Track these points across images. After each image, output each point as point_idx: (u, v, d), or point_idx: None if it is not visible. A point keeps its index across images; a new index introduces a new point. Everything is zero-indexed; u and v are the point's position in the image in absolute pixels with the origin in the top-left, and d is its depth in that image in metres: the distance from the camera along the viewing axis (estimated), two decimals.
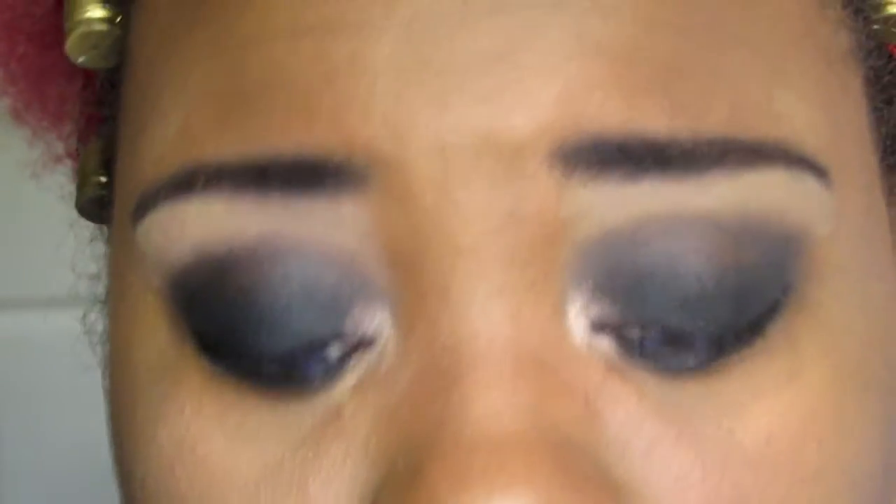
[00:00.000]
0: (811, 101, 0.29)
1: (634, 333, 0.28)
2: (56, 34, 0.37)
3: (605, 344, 0.28)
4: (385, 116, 0.27)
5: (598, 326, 0.28)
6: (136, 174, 0.30)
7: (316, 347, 0.28)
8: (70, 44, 0.33)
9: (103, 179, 0.35)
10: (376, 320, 0.28)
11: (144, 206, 0.29)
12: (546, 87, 0.27)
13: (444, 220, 0.27)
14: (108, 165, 0.35)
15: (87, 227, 0.43)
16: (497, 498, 0.25)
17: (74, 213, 0.43)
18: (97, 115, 0.36)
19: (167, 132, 0.29)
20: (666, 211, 0.27)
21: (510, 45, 0.27)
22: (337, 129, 0.27)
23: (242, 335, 0.28)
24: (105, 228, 0.38)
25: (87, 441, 1.05)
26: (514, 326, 0.27)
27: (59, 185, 0.43)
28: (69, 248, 0.45)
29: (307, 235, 0.28)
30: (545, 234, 0.27)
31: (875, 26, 0.32)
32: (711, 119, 0.28)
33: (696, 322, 0.28)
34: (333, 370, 0.28)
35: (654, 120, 0.27)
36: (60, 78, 0.39)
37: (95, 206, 0.36)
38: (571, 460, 0.26)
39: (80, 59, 0.33)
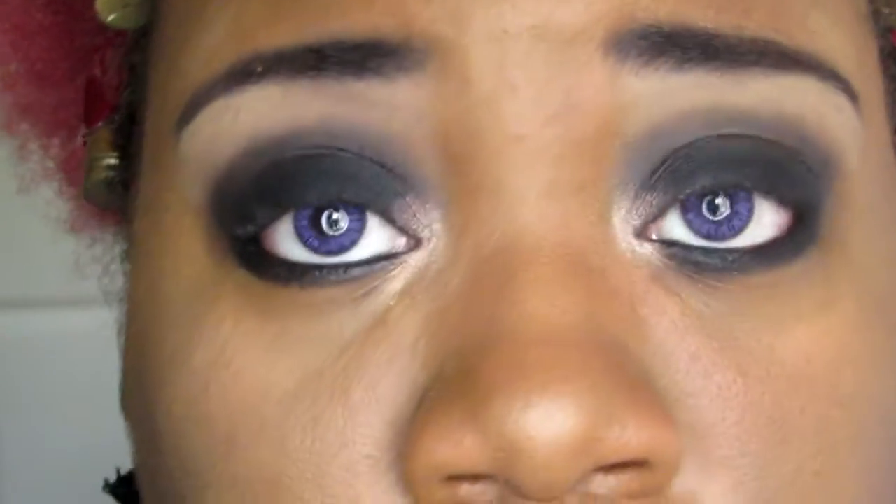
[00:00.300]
0: (843, 30, 0.30)
1: (678, 222, 0.28)
2: (57, 35, 0.37)
3: (649, 251, 0.28)
4: (443, 0, 0.28)
5: (642, 232, 0.28)
6: (182, 84, 0.30)
7: (356, 205, 0.28)
8: (100, 2, 0.33)
9: (112, 161, 0.35)
10: (428, 218, 0.28)
11: (195, 104, 0.29)
12: None
13: (500, 105, 0.27)
14: (119, 147, 0.35)
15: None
16: (553, 390, 0.25)
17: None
18: (105, 101, 0.36)
19: (216, 35, 0.29)
20: (708, 105, 0.28)
21: None
22: (396, 12, 0.28)
23: (290, 182, 0.28)
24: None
25: (87, 441, 1.05)
26: (564, 228, 0.27)
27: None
28: (69, 249, 0.45)
29: (363, 118, 0.28)
30: (597, 126, 0.28)
31: (886, 9, 0.33)
32: (753, 19, 0.28)
33: (734, 176, 0.28)
34: (380, 263, 0.28)
35: (701, 13, 0.28)
36: (60, 80, 0.38)
37: (103, 189, 0.36)
38: (622, 361, 0.27)
39: (110, 18, 0.33)
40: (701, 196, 0.29)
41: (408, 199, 0.28)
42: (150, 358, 0.31)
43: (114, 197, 0.36)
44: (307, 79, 0.28)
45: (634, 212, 0.28)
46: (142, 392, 0.31)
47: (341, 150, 0.28)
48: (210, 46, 0.29)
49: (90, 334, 0.99)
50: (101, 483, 0.46)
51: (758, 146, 0.29)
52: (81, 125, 0.38)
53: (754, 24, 0.28)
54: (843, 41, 0.30)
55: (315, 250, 0.28)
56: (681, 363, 0.28)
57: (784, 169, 0.29)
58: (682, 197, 0.28)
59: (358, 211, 0.28)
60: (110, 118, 0.36)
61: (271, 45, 0.28)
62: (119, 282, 0.39)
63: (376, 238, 0.28)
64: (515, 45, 0.27)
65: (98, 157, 0.36)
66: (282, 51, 0.28)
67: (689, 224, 0.29)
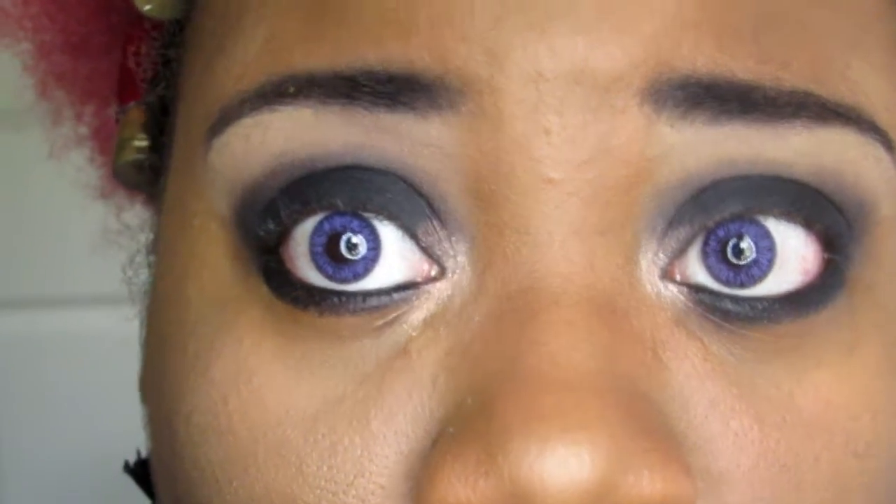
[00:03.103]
0: (882, 77, 0.30)
1: (698, 256, 0.28)
2: (94, 10, 0.37)
3: (674, 293, 0.28)
4: (483, 38, 0.27)
5: (668, 274, 0.28)
6: (213, 95, 0.30)
7: (373, 228, 0.28)
8: None
9: (143, 143, 0.36)
10: (452, 251, 0.28)
11: (225, 119, 0.29)
12: (644, 23, 0.27)
13: (534, 148, 0.27)
14: (149, 129, 0.35)
15: (89, 227, 0.43)
16: (570, 437, 0.25)
17: (76, 214, 0.43)
18: (137, 82, 0.36)
19: (250, 48, 0.29)
20: (744, 157, 0.28)
21: None
22: (433, 47, 0.27)
23: (312, 188, 0.28)
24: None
25: (86, 441, 1.04)
26: (590, 270, 0.27)
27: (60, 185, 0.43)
28: (70, 249, 0.45)
29: (393, 150, 0.28)
30: (628, 174, 0.28)
31: None
32: (793, 71, 0.28)
33: (758, 200, 0.28)
34: (400, 293, 0.28)
35: (741, 64, 0.28)
36: (94, 52, 0.39)
37: (132, 169, 0.36)
38: (641, 408, 0.27)
39: (146, 8, 0.34)
40: (723, 240, 0.28)
41: (434, 223, 0.28)
42: (171, 360, 0.31)
43: (142, 178, 0.36)
44: (338, 105, 0.28)
45: (661, 252, 0.28)
46: (162, 393, 0.31)
47: (370, 168, 0.28)
48: (243, 60, 0.29)
49: (90, 334, 0.99)
50: (101, 483, 0.46)
51: (788, 181, 0.28)
52: (114, 96, 0.38)
53: (794, 75, 0.28)
54: (881, 86, 0.30)
55: (329, 277, 0.28)
56: (699, 408, 0.28)
57: (814, 199, 0.29)
58: (709, 225, 0.28)
59: (375, 237, 0.28)
60: (142, 99, 0.36)
61: (305, 67, 0.28)
62: (143, 274, 0.39)
63: (395, 263, 0.28)
64: (551, 89, 0.27)
65: (128, 138, 0.36)
66: (315, 75, 0.28)
67: (709, 269, 0.28)
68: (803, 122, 0.28)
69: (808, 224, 0.29)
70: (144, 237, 0.38)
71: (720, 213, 0.28)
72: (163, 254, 0.33)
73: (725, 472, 0.28)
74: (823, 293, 0.29)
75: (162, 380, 0.31)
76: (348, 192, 0.28)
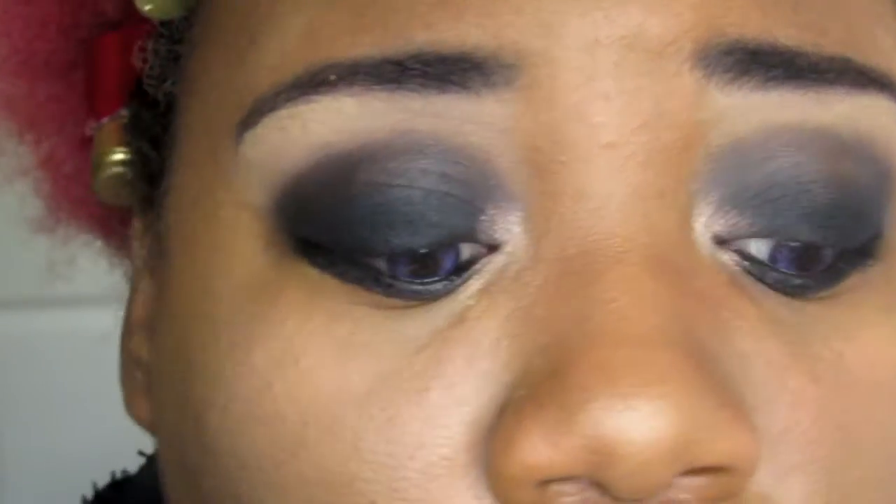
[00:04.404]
0: None
1: (762, 247, 0.29)
2: (63, 27, 0.36)
3: (728, 258, 0.28)
4: (537, 11, 0.27)
5: (722, 240, 0.28)
6: (245, 86, 0.30)
7: (448, 244, 0.28)
8: None
9: (122, 157, 0.35)
10: (507, 222, 0.28)
11: (259, 110, 0.29)
12: None
13: (591, 115, 0.27)
14: (130, 140, 0.35)
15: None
16: (650, 393, 0.25)
17: None
18: (111, 93, 0.35)
19: (286, 39, 0.29)
20: (791, 123, 0.28)
21: None
22: (486, 24, 0.27)
23: (373, 233, 0.28)
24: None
25: (87, 440, 1.05)
26: (648, 230, 0.27)
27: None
28: (70, 249, 0.44)
29: (444, 132, 0.28)
30: (681, 137, 0.28)
31: None
32: (831, 38, 0.29)
33: (824, 233, 0.29)
34: (459, 274, 0.28)
35: (784, 31, 0.28)
36: (54, 71, 0.38)
37: (114, 185, 0.35)
38: (708, 363, 0.27)
39: (147, 8, 0.33)
40: (788, 247, 0.29)
41: (489, 212, 0.28)
42: (199, 355, 0.30)
43: (127, 192, 0.35)
44: (385, 91, 0.28)
45: (716, 222, 0.28)
46: (187, 391, 0.30)
47: (420, 172, 0.28)
48: (278, 50, 0.29)
49: (91, 334, 0.99)
50: (101, 483, 0.46)
51: (839, 197, 0.29)
52: (68, 122, 0.37)
53: (832, 42, 0.29)
54: None
55: (412, 282, 0.28)
56: (758, 368, 0.28)
57: (862, 217, 0.29)
58: (768, 234, 0.29)
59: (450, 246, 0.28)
60: (118, 113, 0.35)
61: (348, 55, 0.28)
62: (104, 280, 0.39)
63: (465, 254, 0.28)
64: (607, 55, 0.27)
65: (106, 153, 0.35)
66: (360, 62, 0.28)
67: (773, 259, 0.29)
68: (844, 87, 0.29)
69: (862, 251, 0.30)
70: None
71: (778, 233, 0.29)
72: (178, 253, 0.32)
73: (784, 431, 0.28)
74: (859, 261, 0.29)
75: (185, 376, 0.30)
76: (397, 234, 0.28)
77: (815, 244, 0.29)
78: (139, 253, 0.37)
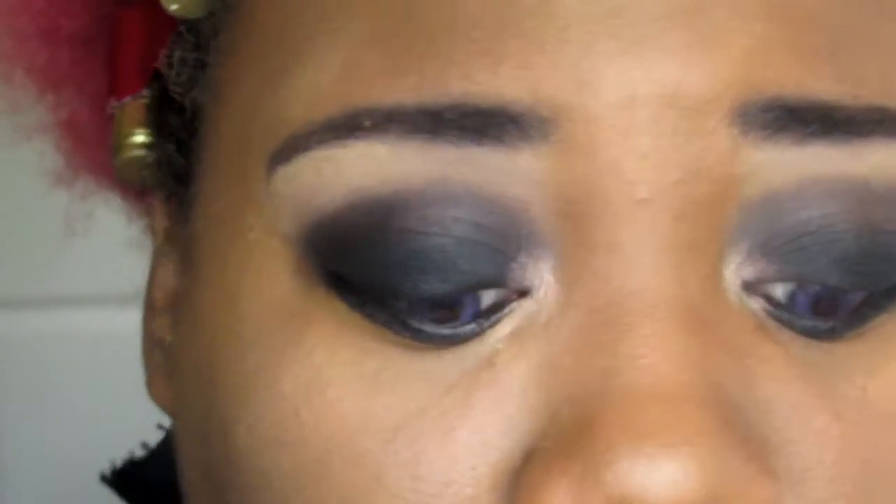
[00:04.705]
0: None
1: (786, 292, 0.29)
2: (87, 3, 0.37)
3: (756, 304, 0.29)
4: (574, 66, 0.27)
5: (751, 286, 0.29)
6: (277, 117, 0.30)
7: (476, 292, 0.28)
8: None
9: (144, 139, 0.35)
10: (538, 269, 0.28)
11: (293, 147, 0.29)
12: (733, 45, 0.28)
13: (627, 171, 0.27)
14: (152, 122, 0.35)
15: (90, 227, 0.43)
16: (677, 450, 0.26)
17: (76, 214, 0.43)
18: (135, 73, 0.36)
19: (322, 75, 0.29)
20: (826, 175, 0.28)
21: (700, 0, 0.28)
22: (523, 76, 0.27)
23: (404, 277, 0.28)
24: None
25: (87, 440, 1.04)
26: (678, 284, 0.28)
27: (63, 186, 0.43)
28: (71, 248, 0.44)
29: (478, 183, 0.28)
30: (715, 192, 0.28)
31: None
32: (868, 87, 0.29)
33: (852, 279, 0.29)
34: (487, 317, 0.28)
35: (822, 84, 0.28)
36: (72, 39, 0.38)
37: (134, 166, 0.36)
38: (734, 417, 0.27)
39: (173, 7, 0.33)
40: (812, 290, 0.29)
41: (521, 260, 0.28)
42: (226, 372, 0.30)
43: (148, 174, 0.36)
44: (419, 140, 0.28)
45: (745, 269, 0.29)
46: (211, 404, 0.31)
47: (453, 221, 0.28)
48: (315, 87, 0.29)
49: (91, 334, 0.99)
50: (100, 483, 0.46)
51: (871, 245, 0.29)
52: (89, 86, 0.38)
53: (869, 91, 0.29)
54: None
55: (438, 328, 0.28)
56: (782, 411, 0.28)
57: (893, 263, 0.29)
58: (796, 280, 0.29)
59: (472, 295, 0.28)
60: (141, 93, 0.35)
61: (384, 101, 0.28)
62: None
63: (488, 297, 0.28)
64: (644, 111, 0.27)
65: (127, 135, 0.35)
66: (395, 110, 0.28)
67: (794, 306, 0.29)
68: (879, 136, 0.28)
69: (887, 291, 0.29)
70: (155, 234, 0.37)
71: (809, 281, 0.29)
72: (205, 264, 0.32)
73: (807, 469, 0.28)
74: (886, 301, 0.30)
75: (211, 390, 0.31)
76: (432, 285, 0.28)
77: (842, 289, 0.29)
78: (159, 233, 0.37)
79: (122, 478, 0.40)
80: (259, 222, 0.30)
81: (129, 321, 0.38)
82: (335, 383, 0.28)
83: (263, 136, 0.30)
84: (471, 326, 0.28)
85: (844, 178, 0.28)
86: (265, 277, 0.30)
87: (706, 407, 0.26)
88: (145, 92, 0.35)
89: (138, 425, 0.40)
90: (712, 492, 0.26)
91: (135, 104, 0.36)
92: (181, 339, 0.34)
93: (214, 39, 0.33)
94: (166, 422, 0.39)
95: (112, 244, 0.44)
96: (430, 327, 0.28)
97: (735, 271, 0.28)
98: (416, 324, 0.28)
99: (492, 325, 0.28)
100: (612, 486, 0.26)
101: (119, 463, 0.43)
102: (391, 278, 0.28)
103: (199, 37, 0.34)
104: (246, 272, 0.30)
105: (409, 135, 0.28)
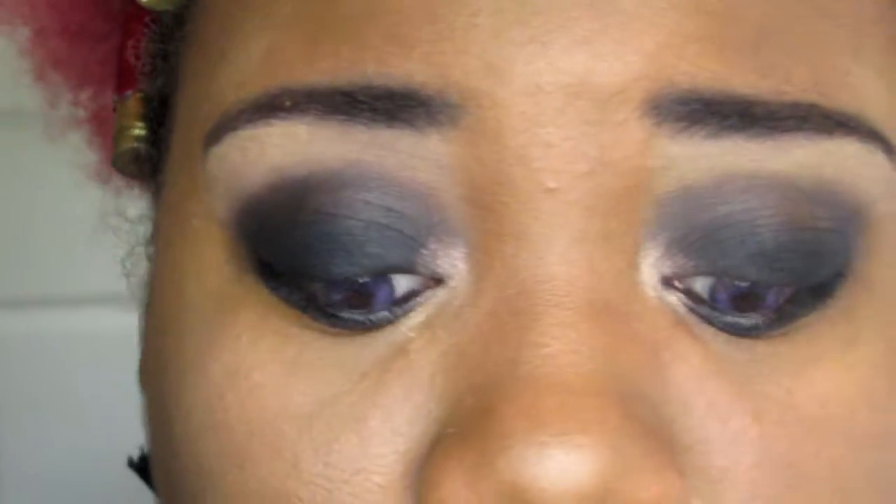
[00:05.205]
0: (881, 80, 0.30)
1: (706, 286, 0.28)
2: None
3: (675, 299, 0.28)
4: (483, 53, 0.27)
5: (670, 281, 0.28)
6: (213, 99, 0.30)
7: (387, 277, 0.28)
8: None
9: (141, 132, 0.36)
10: (450, 258, 0.28)
11: (223, 127, 0.30)
12: (645, 36, 0.27)
13: (534, 160, 0.27)
14: (147, 118, 0.35)
15: (90, 226, 0.44)
16: (570, 439, 0.26)
17: (76, 214, 0.43)
18: (135, 68, 0.36)
19: (251, 57, 0.30)
20: (746, 171, 0.28)
21: None
22: (433, 62, 0.28)
23: (314, 258, 0.28)
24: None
25: (87, 440, 1.04)
26: (591, 274, 0.27)
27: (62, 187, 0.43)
28: (71, 248, 0.45)
29: (390, 166, 0.28)
30: (628, 185, 0.28)
31: None
32: (795, 83, 0.28)
33: (770, 275, 0.28)
34: (401, 305, 0.28)
35: (742, 78, 0.28)
36: (91, 38, 0.39)
37: (130, 159, 0.36)
38: (639, 411, 0.27)
39: (146, 0, 0.34)
40: (732, 285, 0.29)
41: (430, 246, 0.28)
42: (169, 359, 0.31)
43: (139, 168, 0.36)
44: (336, 122, 0.28)
45: (664, 263, 0.28)
46: (161, 391, 0.32)
47: (364, 204, 0.28)
48: (244, 69, 0.30)
49: (91, 334, 0.99)
50: (101, 483, 0.46)
51: (792, 240, 0.28)
52: (111, 83, 0.38)
53: (796, 88, 0.28)
54: (880, 90, 0.30)
55: (352, 314, 0.29)
56: (698, 409, 0.28)
57: (820, 258, 0.29)
58: (715, 274, 0.28)
59: (382, 275, 0.29)
60: (140, 87, 0.36)
61: (303, 82, 0.28)
62: (142, 265, 0.39)
63: (403, 285, 0.29)
64: (552, 100, 0.27)
65: (126, 127, 0.36)
66: (313, 90, 0.28)
67: (716, 300, 0.29)
68: (806, 134, 0.28)
69: (812, 293, 0.29)
70: (143, 229, 0.38)
71: (728, 275, 0.28)
72: (161, 251, 0.33)
73: (724, 470, 0.28)
74: (818, 301, 0.29)
75: (161, 377, 0.32)
76: (341, 266, 0.28)
77: (760, 284, 0.28)
78: (152, 227, 0.37)
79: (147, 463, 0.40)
80: (200, 209, 0.31)
81: (129, 321, 0.39)
82: (257, 368, 0.29)
83: (203, 120, 0.30)
84: (384, 314, 0.28)
85: (765, 174, 0.28)
86: (206, 264, 0.30)
87: (606, 398, 0.26)
88: (145, 87, 0.36)
89: (139, 425, 0.40)
90: (605, 483, 0.26)
91: (135, 98, 0.36)
92: (143, 326, 0.34)
93: (179, 30, 0.33)
94: None
95: (113, 244, 0.44)
96: (345, 313, 0.29)
97: (653, 266, 0.28)
98: (330, 309, 0.29)
99: (405, 313, 0.28)
100: (505, 473, 0.26)
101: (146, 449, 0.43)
102: (304, 259, 0.29)
103: (163, 27, 0.34)
104: (191, 260, 0.31)
105: (326, 116, 0.28)
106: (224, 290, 0.30)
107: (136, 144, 0.36)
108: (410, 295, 0.29)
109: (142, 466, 0.40)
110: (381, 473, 0.28)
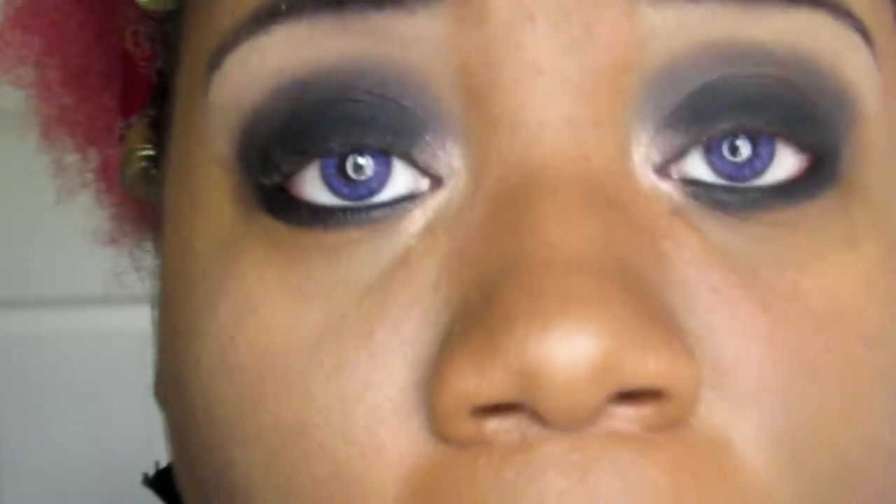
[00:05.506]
0: None
1: (699, 162, 0.28)
2: (94, 33, 0.37)
3: (670, 188, 0.28)
4: None
5: (663, 169, 0.28)
6: (211, 35, 0.31)
7: (388, 157, 0.29)
8: None
9: (147, 153, 0.35)
10: (448, 155, 0.28)
11: (224, 49, 0.30)
12: None
13: (518, 35, 0.28)
14: (154, 140, 0.35)
15: (90, 227, 0.43)
16: (572, 313, 0.25)
17: (76, 215, 0.43)
18: (140, 93, 0.36)
19: None
20: (723, 38, 0.28)
21: None
22: None
23: (317, 139, 0.29)
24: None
25: (87, 440, 1.04)
26: (583, 161, 0.27)
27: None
28: (71, 248, 0.44)
29: (384, 53, 0.28)
30: (615, 58, 0.28)
31: None
32: None
33: (758, 117, 0.28)
34: (401, 203, 0.28)
35: None
36: (96, 84, 0.38)
37: (139, 181, 0.36)
38: (642, 290, 0.27)
39: (143, 0, 0.34)
40: (723, 137, 0.29)
41: (427, 138, 0.28)
42: (179, 316, 0.31)
43: (150, 189, 0.36)
44: (330, 14, 0.28)
45: (655, 148, 0.28)
46: (173, 354, 0.31)
47: (364, 92, 0.28)
48: None
49: (91, 334, 0.99)
50: (101, 483, 0.45)
51: (776, 90, 0.29)
52: (117, 132, 0.38)
53: None
54: None
55: (344, 196, 0.29)
56: (702, 298, 0.27)
57: (803, 113, 0.29)
58: (704, 139, 0.28)
59: (382, 154, 0.29)
60: (145, 111, 0.36)
61: None
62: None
63: (401, 179, 0.29)
64: None
65: (133, 149, 0.36)
66: None
67: (712, 164, 0.29)
68: (775, 2, 0.28)
69: (800, 145, 0.29)
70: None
71: (714, 129, 0.28)
72: (168, 222, 0.32)
73: (734, 361, 0.27)
74: (814, 184, 0.29)
75: (172, 344, 0.31)
76: (341, 132, 0.28)
77: (747, 128, 0.28)
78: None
79: (165, 478, 0.40)
80: (202, 153, 0.31)
81: (129, 321, 0.38)
82: (264, 301, 0.28)
83: (202, 62, 0.31)
84: (384, 211, 0.28)
85: (743, 43, 0.28)
86: (212, 213, 0.30)
87: (608, 275, 0.26)
88: (150, 111, 0.36)
89: (139, 425, 0.40)
90: (611, 355, 0.25)
91: (140, 122, 0.36)
92: (155, 318, 0.34)
93: (177, 13, 0.34)
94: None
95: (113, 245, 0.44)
96: (343, 199, 0.29)
97: (645, 154, 0.28)
98: (325, 197, 0.29)
99: (405, 215, 0.28)
100: (511, 352, 0.25)
101: (162, 464, 0.42)
102: (304, 143, 0.29)
103: (160, 12, 0.34)
104: (196, 212, 0.31)
105: (320, 11, 0.28)
106: (230, 233, 0.30)
107: (143, 164, 0.35)
108: (410, 197, 0.28)
109: (157, 483, 0.39)
110: (392, 386, 0.27)
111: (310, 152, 0.29)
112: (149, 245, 0.41)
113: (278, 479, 0.28)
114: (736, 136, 0.29)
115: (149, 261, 0.40)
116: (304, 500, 0.28)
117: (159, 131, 0.35)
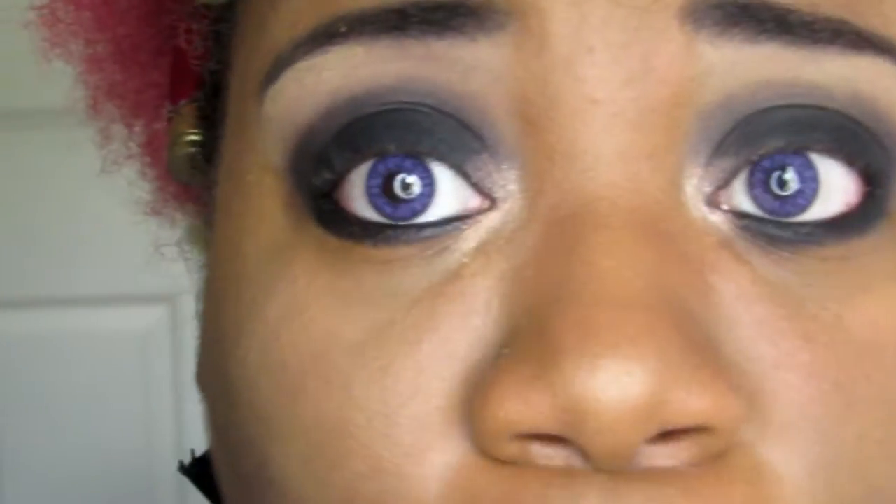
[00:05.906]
0: None
1: (747, 192, 0.29)
2: (144, 12, 0.37)
3: (720, 219, 0.29)
4: None
5: (714, 201, 0.29)
6: (267, 49, 0.31)
7: (432, 186, 0.29)
8: None
9: (195, 137, 0.36)
10: (503, 178, 0.29)
11: (279, 65, 0.30)
12: None
13: (577, 67, 0.28)
14: (202, 123, 0.36)
15: (91, 227, 0.43)
16: (621, 353, 0.26)
17: (78, 215, 0.43)
18: (190, 79, 0.36)
19: (300, 1, 0.30)
20: (782, 78, 0.29)
21: None
22: None
23: (367, 140, 0.29)
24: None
25: (87, 440, 1.04)
26: (636, 193, 0.28)
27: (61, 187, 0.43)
28: (72, 249, 0.44)
29: (442, 78, 0.29)
30: (671, 93, 0.28)
31: None
32: (829, 1, 0.29)
33: (806, 135, 0.29)
34: (451, 223, 0.29)
35: None
36: (145, 61, 0.39)
37: (186, 164, 0.36)
38: (688, 325, 0.27)
39: None
40: (768, 171, 0.29)
41: (483, 156, 0.29)
42: (227, 314, 0.31)
43: (195, 173, 0.36)
44: (390, 38, 0.29)
45: (706, 179, 0.29)
46: (219, 350, 0.32)
47: (424, 106, 0.29)
48: (295, 10, 0.30)
49: (92, 334, 0.99)
50: (101, 483, 0.45)
51: (830, 114, 0.29)
52: (165, 106, 0.38)
53: (829, 4, 0.29)
54: None
55: (388, 216, 0.29)
56: (747, 330, 0.28)
57: (855, 134, 0.29)
58: (753, 158, 0.29)
59: (429, 174, 0.29)
60: (194, 96, 0.36)
61: (355, 6, 0.29)
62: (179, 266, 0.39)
63: (449, 199, 0.29)
64: (593, 10, 0.28)
65: (181, 133, 0.36)
66: (365, 12, 0.29)
67: (755, 199, 0.29)
68: (839, 48, 0.29)
69: (849, 160, 0.29)
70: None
71: (764, 147, 0.29)
72: (218, 221, 0.33)
73: (774, 392, 0.28)
74: (865, 221, 0.29)
75: (218, 340, 0.32)
76: (398, 135, 0.29)
77: (793, 146, 0.29)
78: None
79: (201, 467, 0.40)
80: (255, 160, 0.31)
81: (129, 321, 0.38)
82: (312, 304, 0.29)
83: (257, 73, 0.31)
84: (433, 230, 0.29)
85: (802, 83, 0.29)
86: (263, 217, 0.31)
87: (657, 311, 0.26)
88: (200, 94, 0.36)
89: (138, 424, 0.40)
90: (657, 394, 0.26)
91: (189, 107, 0.36)
92: (201, 313, 0.34)
93: (230, 10, 0.34)
94: (166, 421, 0.39)
95: (113, 245, 0.44)
96: (386, 217, 0.29)
97: (696, 186, 0.29)
98: (370, 213, 0.29)
99: (456, 235, 0.29)
100: (558, 386, 0.26)
101: (198, 453, 0.43)
102: (360, 133, 0.29)
103: (213, 9, 0.35)
104: (247, 216, 0.31)
105: (380, 34, 0.29)
106: (281, 240, 0.30)
107: (190, 149, 0.36)
108: (462, 217, 0.29)
109: (192, 471, 0.39)
110: (440, 396, 0.28)
111: (364, 150, 0.29)
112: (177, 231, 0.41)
113: (317, 473, 0.29)
114: (783, 170, 0.29)
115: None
116: (342, 493, 0.28)
117: (207, 122, 0.35)
